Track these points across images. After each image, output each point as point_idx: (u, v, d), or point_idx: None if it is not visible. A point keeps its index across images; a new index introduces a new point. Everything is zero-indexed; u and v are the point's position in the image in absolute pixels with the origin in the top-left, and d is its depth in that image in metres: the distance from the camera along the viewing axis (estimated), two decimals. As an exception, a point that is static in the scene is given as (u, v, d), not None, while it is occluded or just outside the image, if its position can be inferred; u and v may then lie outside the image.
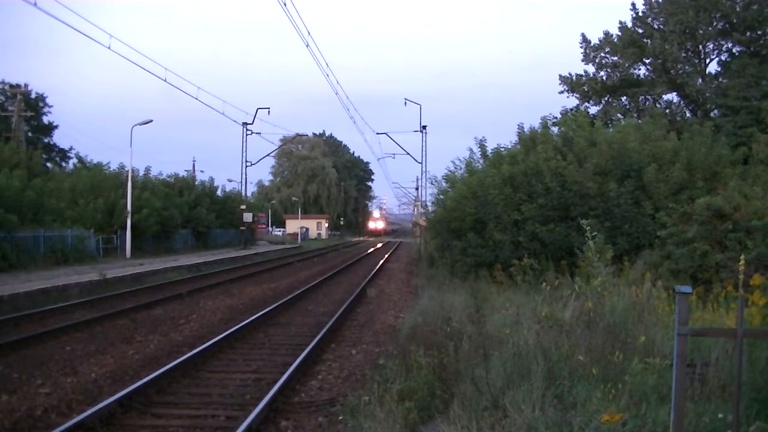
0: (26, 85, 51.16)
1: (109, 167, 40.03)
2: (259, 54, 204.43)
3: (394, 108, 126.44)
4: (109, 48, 21.53)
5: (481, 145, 21.54)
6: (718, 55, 31.55)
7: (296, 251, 50.32)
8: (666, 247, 12.19)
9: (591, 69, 32.90)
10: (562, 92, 33.53)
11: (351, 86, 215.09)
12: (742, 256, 5.01)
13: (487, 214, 17.86)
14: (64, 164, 54.62)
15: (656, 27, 31.73)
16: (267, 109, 50.22)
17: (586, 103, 33.05)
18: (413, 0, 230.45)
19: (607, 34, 32.56)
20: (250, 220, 50.78)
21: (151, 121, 35.13)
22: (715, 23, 30.25)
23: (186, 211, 43.44)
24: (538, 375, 5.46)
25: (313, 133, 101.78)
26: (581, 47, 32.98)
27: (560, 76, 33.47)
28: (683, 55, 31.43)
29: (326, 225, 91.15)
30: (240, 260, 35.86)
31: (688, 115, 31.49)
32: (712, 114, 29.37)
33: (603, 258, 8.46)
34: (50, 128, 57.01)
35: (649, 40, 30.89)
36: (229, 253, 40.26)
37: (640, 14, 32.27)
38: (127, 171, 34.92)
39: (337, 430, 6.67)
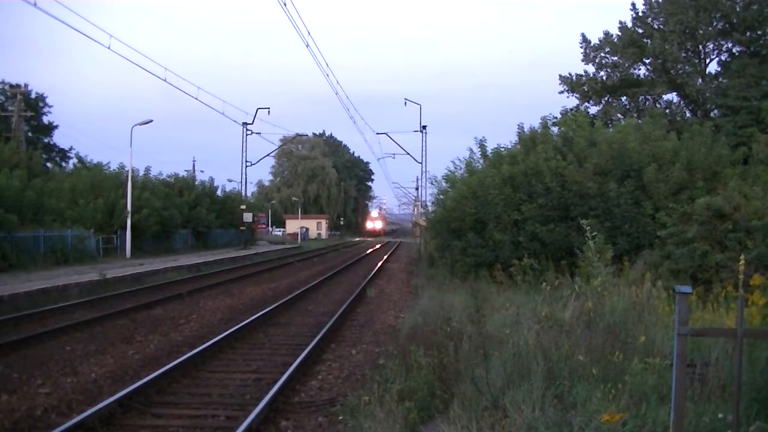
0: (26, 85, 51.25)
1: (109, 167, 40.09)
2: (259, 54, 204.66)
3: (394, 108, 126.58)
4: (109, 48, 21.56)
5: (481, 145, 21.56)
6: (718, 55, 31.59)
7: (296, 251, 50.32)
8: (666, 247, 12.19)
9: (591, 69, 32.95)
10: (562, 92, 33.57)
11: (351, 86, 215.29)
12: (742, 256, 5.02)
13: (487, 214, 17.86)
14: (64, 164, 54.66)
15: (656, 27, 31.73)
16: (267, 109, 50.31)
17: (586, 103, 33.07)
18: (413, 0, 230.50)
19: (607, 34, 32.60)
20: (250, 220, 50.78)
21: (151, 121, 35.17)
22: (715, 23, 30.26)
23: (186, 211, 43.44)
24: (538, 375, 5.46)
25: (313, 133, 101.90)
26: (581, 47, 33.00)
27: (560, 76, 33.51)
28: (683, 55, 31.43)
29: (326, 225, 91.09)
30: (240, 260, 35.86)
31: (688, 115, 31.50)
32: (712, 114, 29.37)
33: (603, 258, 8.46)
34: (50, 128, 57.03)
35: (649, 40, 30.90)
36: (229, 253, 40.26)
37: (640, 14, 32.29)
38: (127, 171, 34.92)
39: (337, 430, 6.66)
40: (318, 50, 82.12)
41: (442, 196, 22.11)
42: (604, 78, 32.59)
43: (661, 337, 6.54)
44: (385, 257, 39.71)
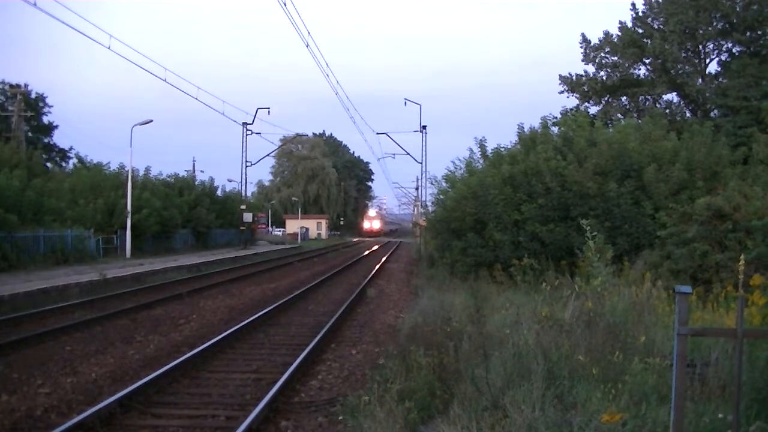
0: (26, 85, 51.26)
1: (109, 167, 40.10)
2: (259, 54, 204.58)
3: (394, 108, 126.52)
4: (109, 48, 21.54)
5: (481, 145, 21.57)
6: (718, 55, 31.61)
7: (296, 251, 50.32)
8: (666, 247, 12.19)
9: (591, 69, 32.98)
10: (562, 92, 33.59)
11: (351, 86, 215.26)
12: (742, 256, 5.00)
13: (487, 214, 17.86)
14: (64, 164, 54.70)
15: (656, 27, 31.75)
16: (267, 109, 50.31)
17: (586, 103, 33.08)
18: (413, 0, 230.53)
19: (607, 34, 32.62)
20: (250, 220, 50.78)
21: (151, 121, 35.17)
22: (715, 23, 30.27)
23: (186, 211, 43.44)
24: (538, 375, 5.46)
25: (313, 133, 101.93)
26: (581, 47, 33.02)
27: (560, 76, 33.52)
28: (683, 55, 31.46)
29: (326, 225, 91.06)
30: (240, 260, 35.86)
31: (688, 115, 31.52)
32: (712, 114, 29.39)
33: (603, 258, 8.46)
34: (50, 128, 57.03)
35: (649, 40, 30.91)
36: (229, 253, 40.26)
37: (640, 14, 32.31)
38: (127, 171, 34.93)
39: (337, 430, 6.66)
40: (318, 50, 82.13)
41: (442, 196, 22.11)
42: (604, 78, 32.61)
43: (661, 337, 6.54)
44: (385, 257, 39.72)
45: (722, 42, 30.84)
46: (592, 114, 30.28)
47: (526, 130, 21.11)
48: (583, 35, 33.02)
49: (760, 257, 9.56)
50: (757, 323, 6.35)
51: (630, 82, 32.01)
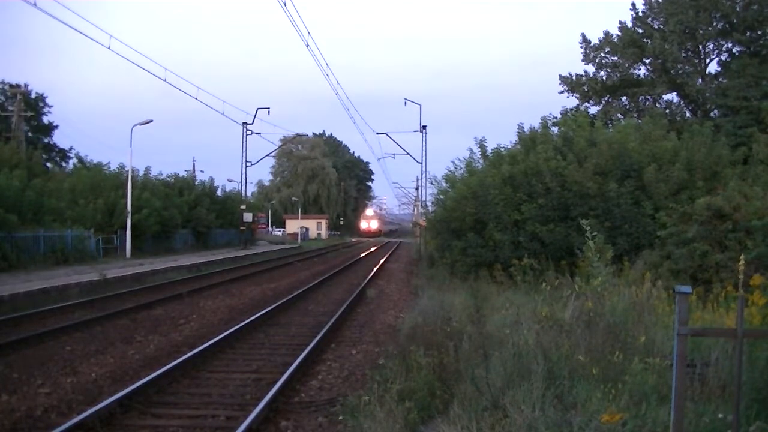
0: (26, 85, 51.28)
1: (109, 167, 40.11)
2: (259, 54, 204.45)
3: (394, 108, 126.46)
4: (109, 48, 21.55)
5: (481, 145, 21.57)
6: (718, 55, 31.63)
7: (296, 251, 50.32)
8: (666, 247, 12.19)
9: (591, 69, 32.99)
10: (562, 92, 33.60)
11: (351, 86, 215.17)
12: (742, 256, 5.01)
13: (487, 214, 17.86)
14: (64, 164, 54.71)
15: (656, 27, 31.76)
16: (267, 109, 50.32)
17: (586, 103, 33.10)
18: (413, 0, 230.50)
19: (607, 34, 32.63)
20: (250, 220, 50.78)
21: (151, 121, 35.18)
22: (715, 23, 30.28)
23: (186, 211, 43.44)
24: (538, 375, 5.46)
25: (313, 133, 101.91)
26: (581, 47, 33.02)
27: (560, 76, 33.53)
28: (683, 55, 31.46)
29: (326, 225, 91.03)
30: (240, 260, 35.86)
31: (688, 115, 31.53)
32: (712, 114, 29.39)
33: (603, 258, 8.46)
34: (50, 128, 57.03)
35: (649, 40, 30.92)
36: (229, 253, 40.27)
37: (640, 14, 32.32)
38: (127, 171, 34.93)
39: (337, 430, 6.67)
40: (318, 50, 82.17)
41: (442, 196, 22.11)
42: (604, 78, 32.61)
43: (661, 337, 6.54)
44: (385, 257, 39.72)
45: (722, 42, 30.85)
46: (592, 114, 30.29)
47: (526, 130, 21.13)
48: (583, 35, 33.07)
49: (760, 257, 9.56)
50: (757, 323, 6.35)
51: (630, 82, 32.02)
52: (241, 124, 49.42)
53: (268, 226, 78.17)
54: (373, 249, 53.74)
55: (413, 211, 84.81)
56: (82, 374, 8.94)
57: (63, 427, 6.16)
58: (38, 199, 29.25)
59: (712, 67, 31.78)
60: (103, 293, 17.88)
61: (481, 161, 21.41)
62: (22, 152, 41.22)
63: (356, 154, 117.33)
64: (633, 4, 32.33)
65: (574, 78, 32.94)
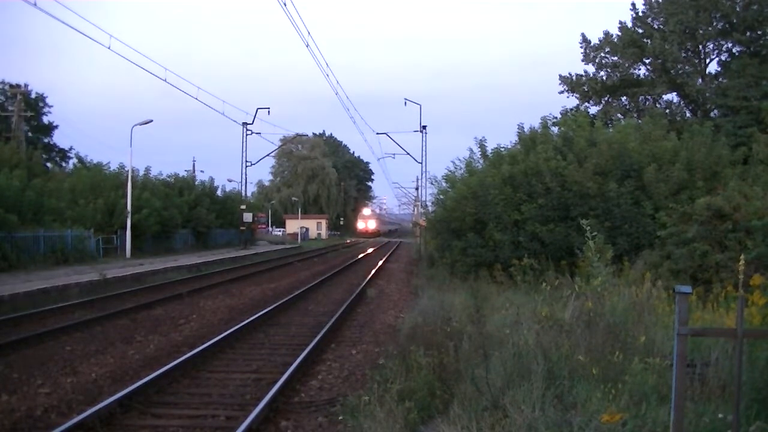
0: (26, 85, 51.28)
1: (109, 167, 40.10)
2: (259, 54, 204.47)
3: (394, 108, 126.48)
4: (109, 48, 21.55)
5: (481, 145, 21.57)
6: (718, 55, 31.62)
7: (296, 251, 50.32)
8: (666, 247, 12.19)
9: (591, 69, 32.99)
10: (562, 92, 33.60)
11: (351, 86, 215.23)
12: (742, 256, 5.01)
13: (487, 214, 17.86)
14: (64, 164, 54.71)
15: (656, 27, 31.76)
16: (267, 109, 50.31)
17: (586, 103, 33.09)
18: (413, 0, 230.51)
19: (607, 34, 32.62)
20: (250, 220, 50.77)
21: (151, 121, 35.18)
22: (715, 23, 30.28)
23: (186, 211, 43.44)
24: (538, 375, 5.46)
25: (313, 133, 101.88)
26: (581, 47, 33.02)
27: (560, 76, 33.53)
28: (683, 55, 31.46)
29: (326, 225, 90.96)
30: (240, 260, 35.86)
31: (688, 115, 31.52)
32: (712, 114, 29.39)
33: (603, 258, 8.46)
34: (50, 128, 57.03)
35: (649, 40, 30.92)
36: (229, 253, 40.26)
37: (640, 14, 32.32)
38: (127, 171, 34.93)
39: (337, 430, 6.67)
40: (318, 50, 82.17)
41: (442, 196, 22.11)
42: (604, 78, 32.61)
43: (661, 337, 6.54)
44: (385, 258, 39.72)
45: (722, 42, 30.85)
46: (592, 114, 30.28)
47: (526, 130, 21.12)
48: (583, 35, 33.07)
49: (760, 257, 9.56)
50: (757, 323, 6.35)
51: (630, 82, 32.02)
52: (241, 124, 49.46)
53: (268, 226, 78.15)
54: (372, 249, 53.73)
55: (413, 211, 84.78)
56: (82, 374, 8.94)
57: (63, 427, 6.16)
58: (38, 199, 29.25)
59: (712, 67, 31.84)
60: (103, 293, 17.88)
61: (481, 161, 21.41)
62: (22, 152, 41.22)
63: (356, 154, 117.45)
64: (633, 4, 32.37)
65: (574, 78, 32.94)
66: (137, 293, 18.42)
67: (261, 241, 61.21)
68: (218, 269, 28.53)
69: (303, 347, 10.38)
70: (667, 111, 31.21)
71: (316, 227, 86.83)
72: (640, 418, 4.62)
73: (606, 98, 33.05)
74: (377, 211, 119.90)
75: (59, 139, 66.12)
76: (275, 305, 15.42)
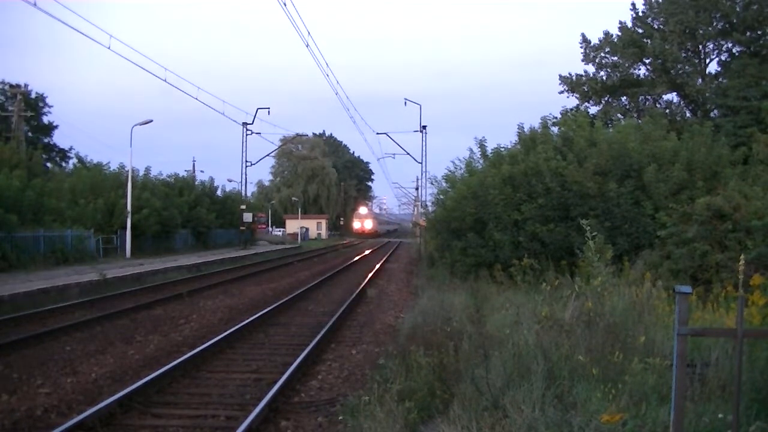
0: (26, 85, 51.30)
1: (109, 167, 40.14)
2: (259, 54, 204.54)
3: (394, 108, 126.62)
4: (109, 48, 21.55)
5: (481, 145, 21.54)
6: (718, 55, 31.61)
7: (296, 251, 50.32)
8: (666, 247, 12.19)
9: (591, 69, 32.97)
10: (562, 92, 33.58)
11: (351, 86, 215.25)
12: (742, 256, 5.00)
13: (487, 214, 17.85)
14: (64, 164, 54.68)
15: (656, 27, 31.75)
16: (267, 109, 50.31)
17: (586, 103, 33.07)
18: (413, 0, 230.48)
19: (607, 34, 32.61)
20: (250, 220, 50.76)
21: (151, 121, 35.18)
22: (715, 23, 30.27)
23: (186, 211, 43.44)
24: (538, 375, 5.46)
25: (313, 133, 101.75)
26: (581, 47, 33.01)
27: (560, 76, 33.51)
28: (683, 55, 31.45)
29: (326, 225, 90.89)
30: (240, 260, 35.86)
31: (688, 115, 31.51)
32: (712, 114, 29.37)
33: (603, 258, 8.46)
34: (50, 128, 56.99)
35: (649, 40, 30.91)
36: (229, 253, 40.27)
37: (640, 14, 32.31)
38: (127, 171, 34.93)
39: (337, 430, 6.66)
40: (318, 50, 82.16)
41: (442, 196, 22.09)
42: (604, 78, 32.60)
43: (661, 337, 6.54)
44: (385, 258, 39.72)
45: (722, 42, 30.83)
46: (592, 114, 30.26)
47: (526, 130, 21.09)
48: (583, 35, 33.05)
49: (760, 257, 9.56)
50: (757, 323, 6.35)
51: (630, 82, 32.00)
52: (241, 124, 49.45)
53: (268, 226, 78.10)
54: (372, 250, 53.72)
55: (413, 211, 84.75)
56: (82, 374, 8.94)
57: (63, 427, 6.16)
58: (38, 199, 29.24)
59: (712, 67, 31.82)
60: (103, 293, 17.88)
61: (481, 161, 21.38)
62: (22, 152, 41.19)
63: (356, 154, 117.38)
64: (633, 4, 32.36)
65: (574, 78, 32.93)
66: (137, 293, 18.42)
67: (261, 241, 61.20)
68: (218, 269, 28.53)
69: (303, 347, 10.38)
70: (667, 111, 31.19)
71: (316, 227, 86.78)
72: (640, 418, 4.62)
73: (606, 98, 33.03)
74: (375, 209, 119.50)
75: (59, 139, 66.30)
76: (275, 305, 15.42)
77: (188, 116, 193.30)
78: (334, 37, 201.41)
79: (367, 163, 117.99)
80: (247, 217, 49.62)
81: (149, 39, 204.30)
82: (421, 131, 48.64)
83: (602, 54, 32.58)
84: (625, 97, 33.07)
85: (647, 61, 31.56)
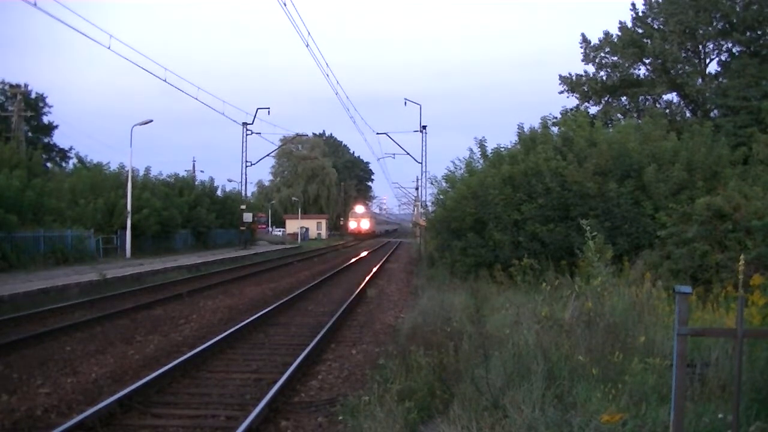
0: (26, 85, 51.34)
1: (109, 167, 40.17)
2: (259, 54, 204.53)
3: (394, 108, 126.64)
4: (109, 48, 21.53)
5: (481, 145, 21.54)
6: (718, 55, 31.60)
7: (296, 251, 50.31)
8: (666, 247, 12.19)
9: (591, 69, 32.95)
10: (562, 92, 33.57)
11: (351, 86, 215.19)
12: (742, 256, 5.01)
13: (487, 214, 17.85)
14: (64, 164, 54.69)
15: (656, 27, 31.74)
16: (267, 109, 50.23)
17: (586, 103, 33.06)
18: (413, 0, 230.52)
19: (607, 34, 32.61)
20: (250, 220, 50.76)
21: (151, 121, 35.19)
22: (715, 23, 30.26)
23: (186, 211, 43.44)
24: (538, 375, 5.47)
25: (313, 133, 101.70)
26: (581, 47, 33.00)
27: (560, 76, 33.51)
28: (683, 55, 31.44)
29: (326, 225, 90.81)
30: (240, 260, 35.86)
31: (688, 115, 31.50)
32: (712, 114, 29.36)
33: (603, 258, 8.46)
34: (50, 128, 57.02)
35: (649, 40, 30.90)
36: (229, 253, 40.26)
37: (640, 14, 32.30)
38: (127, 171, 34.94)
39: (337, 430, 6.66)
40: (318, 50, 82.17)
41: (442, 196, 22.08)
42: (604, 78, 32.59)
43: (661, 337, 6.54)
44: (385, 258, 39.72)
45: (722, 42, 30.82)
46: (592, 114, 30.25)
47: (526, 130, 21.10)
48: (583, 35, 33.04)
49: (760, 257, 9.56)
50: (757, 323, 6.35)
51: (630, 82, 31.99)
52: (241, 124, 49.43)
53: (268, 226, 78.10)
54: (372, 250, 53.71)
55: (413, 211, 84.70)
56: (82, 374, 8.94)
57: (63, 427, 6.16)
58: (38, 199, 29.24)
59: (712, 67, 31.81)
60: (103, 293, 17.88)
61: (481, 161, 21.38)
62: (22, 152, 41.15)
63: (356, 154, 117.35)
64: (633, 4, 32.35)
65: (574, 78, 32.92)
66: (137, 293, 18.42)
67: (261, 241, 61.20)
68: (218, 269, 28.53)
69: (303, 347, 10.38)
70: (667, 111, 31.18)
71: (316, 227, 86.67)
72: (640, 418, 4.62)
73: (606, 98, 33.02)
74: (375, 209, 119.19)
75: (59, 139, 66.28)
76: (275, 305, 15.42)
77: (188, 116, 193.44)
78: (334, 37, 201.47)
79: (367, 163, 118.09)
80: (247, 217, 49.62)
81: (149, 39, 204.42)
82: (421, 131, 48.64)
83: (602, 54, 32.58)
84: (625, 97, 33.06)
85: (647, 61, 31.56)
